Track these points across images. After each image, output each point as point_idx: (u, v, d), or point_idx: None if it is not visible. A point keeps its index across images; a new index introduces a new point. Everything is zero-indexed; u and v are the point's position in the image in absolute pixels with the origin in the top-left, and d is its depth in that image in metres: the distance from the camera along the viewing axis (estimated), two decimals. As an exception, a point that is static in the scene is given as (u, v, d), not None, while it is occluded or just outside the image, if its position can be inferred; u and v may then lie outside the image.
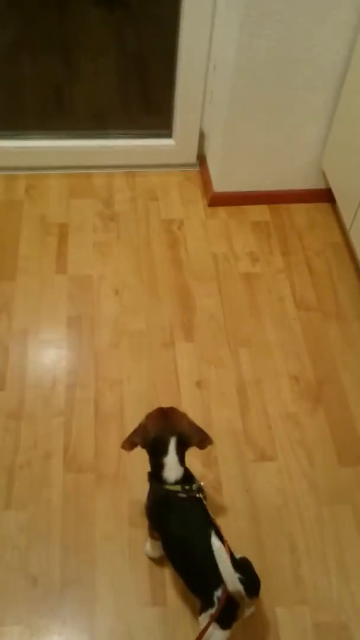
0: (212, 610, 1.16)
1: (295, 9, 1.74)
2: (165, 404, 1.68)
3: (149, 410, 1.65)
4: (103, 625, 1.36)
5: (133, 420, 1.65)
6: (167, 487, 1.28)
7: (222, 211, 2.25)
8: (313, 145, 2.13)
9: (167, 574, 1.43)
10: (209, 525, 1.25)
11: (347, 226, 2.01)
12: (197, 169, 2.40)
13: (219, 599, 1.15)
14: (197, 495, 1.29)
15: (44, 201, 2.23)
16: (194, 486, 1.30)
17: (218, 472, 1.60)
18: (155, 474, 1.31)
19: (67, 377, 1.76)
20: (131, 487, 1.56)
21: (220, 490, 1.57)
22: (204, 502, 1.29)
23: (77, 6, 3.06)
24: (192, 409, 1.71)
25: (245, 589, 1.15)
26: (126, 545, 1.47)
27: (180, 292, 2.00)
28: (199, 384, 1.77)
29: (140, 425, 1.32)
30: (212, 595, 1.16)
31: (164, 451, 1.28)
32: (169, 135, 2.33)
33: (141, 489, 1.53)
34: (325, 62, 1.89)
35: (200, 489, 1.30)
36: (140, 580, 1.42)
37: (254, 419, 1.71)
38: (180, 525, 1.27)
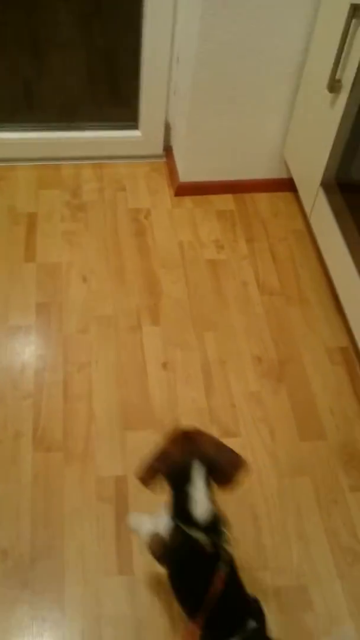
0: None
1: (254, 2, 1.81)
2: (133, 385, 1.76)
3: (117, 391, 1.72)
4: (72, 595, 1.40)
5: (101, 400, 1.72)
6: (192, 532, 1.06)
7: (188, 201, 2.31)
8: (275, 135, 2.19)
9: (134, 545, 1.48)
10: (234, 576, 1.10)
11: (308, 214, 2.08)
12: (164, 159, 2.45)
13: None
14: (225, 547, 1.09)
15: (13, 192, 2.27)
16: (224, 535, 1.09)
17: (183, 448, 1.66)
18: (178, 512, 1.08)
19: (37, 361, 1.80)
20: (99, 466, 1.61)
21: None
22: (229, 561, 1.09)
23: (45, 1, 3.09)
24: (159, 390, 1.77)
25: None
26: (94, 519, 1.52)
27: (147, 278, 2.05)
28: (165, 365, 1.83)
29: (160, 451, 1.10)
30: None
31: (188, 480, 1.06)
32: (135, 127, 2.38)
33: (108, 466, 1.59)
34: (284, 53, 1.95)
35: (228, 540, 1.10)
36: (108, 552, 1.47)
37: (218, 398, 1.77)
38: (196, 571, 1.08)
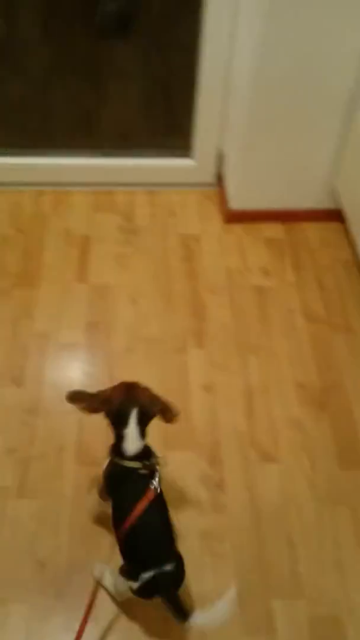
0: (133, 584, 1.24)
1: (308, 36, 1.85)
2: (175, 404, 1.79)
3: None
4: (105, 610, 1.43)
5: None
6: (127, 463, 1.29)
7: (237, 228, 2.35)
8: (326, 165, 2.22)
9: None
10: (165, 509, 1.31)
11: (358, 244, 2.09)
12: (215, 187, 2.51)
13: (143, 579, 1.21)
14: (155, 469, 1.31)
15: (69, 215, 2.36)
16: (153, 460, 1.32)
17: (222, 471, 1.67)
18: (115, 448, 1.32)
19: (83, 378, 1.86)
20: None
21: (224, 488, 1.64)
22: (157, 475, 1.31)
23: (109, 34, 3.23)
24: (200, 411, 1.79)
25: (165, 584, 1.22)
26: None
27: (194, 302, 2.09)
28: (207, 388, 1.85)
29: (102, 393, 1.33)
30: (139, 572, 1.22)
31: (125, 423, 1.29)
32: (189, 155, 2.45)
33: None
34: (338, 84, 1.98)
35: (159, 463, 1.33)
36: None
37: (259, 422, 1.78)
38: (131, 492, 1.28)
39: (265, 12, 1.80)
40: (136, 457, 1.30)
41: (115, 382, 1.36)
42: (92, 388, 1.79)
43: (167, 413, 1.34)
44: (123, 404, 1.31)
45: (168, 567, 1.22)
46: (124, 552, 1.28)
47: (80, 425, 1.74)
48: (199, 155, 2.42)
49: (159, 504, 1.30)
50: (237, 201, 2.33)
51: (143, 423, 1.31)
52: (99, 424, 1.72)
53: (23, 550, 1.51)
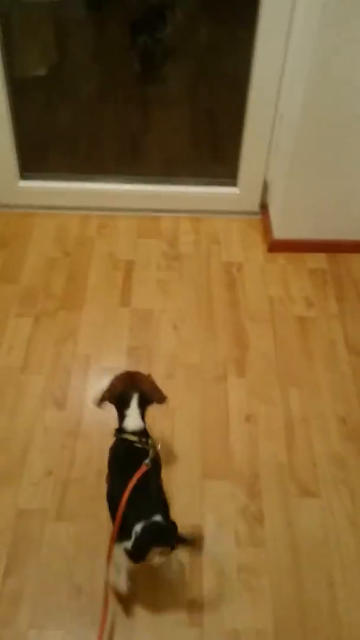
0: (127, 543, 1.29)
1: (357, 68, 1.86)
2: (215, 434, 1.78)
3: (199, 439, 1.75)
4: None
5: (183, 446, 1.75)
6: (125, 436, 1.45)
7: (280, 257, 2.35)
8: (372, 197, 2.21)
9: (204, 597, 1.48)
10: (156, 479, 1.41)
11: None
12: (259, 216, 2.51)
13: (136, 534, 1.28)
14: (150, 448, 1.43)
15: (114, 239, 2.40)
16: (150, 440, 1.46)
17: (261, 504, 1.65)
18: (118, 427, 1.49)
19: (124, 403, 1.86)
20: (176, 512, 1.62)
21: (263, 522, 1.62)
22: (152, 454, 1.42)
23: (154, 61, 3.30)
24: (240, 442, 1.78)
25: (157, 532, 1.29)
26: (168, 567, 1.53)
27: (236, 330, 2.09)
28: (248, 418, 1.84)
29: (110, 384, 1.51)
30: (131, 528, 1.28)
31: (127, 405, 1.48)
32: (234, 183, 2.47)
33: (186, 514, 1.61)
34: (386, 119, 1.99)
35: (154, 445, 1.45)
36: (180, 602, 1.47)
37: (299, 455, 1.75)
38: (126, 464, 1.41)
39: (315, 44, 1.83)
40: (134, 433, 1.46)
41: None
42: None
43: (161, 399, 1.52)
44: (126, 388, 1.50)
45: (157, 518, 1.30)
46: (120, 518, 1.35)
47: (120, 450, 1.74)
48: (244, 184, 2.44)
49: (152, 476, 1.41)
50: (281, 230, 2.34)
51: (142, 406, 1.50)
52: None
53: (60, 574, 1.51)
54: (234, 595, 1.49)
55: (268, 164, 2.37)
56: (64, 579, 1.50)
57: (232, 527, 1.61)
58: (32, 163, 2.48)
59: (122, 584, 1.38)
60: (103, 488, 1.64)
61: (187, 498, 1.65)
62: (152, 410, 1.82)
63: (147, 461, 1.40)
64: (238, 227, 2.48)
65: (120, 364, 1.97)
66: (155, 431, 1.78)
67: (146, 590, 1.48)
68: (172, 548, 1.33)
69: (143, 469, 1.38)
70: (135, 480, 1.35)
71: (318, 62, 1.85)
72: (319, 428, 1.82)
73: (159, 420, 1.81)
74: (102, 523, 1.59)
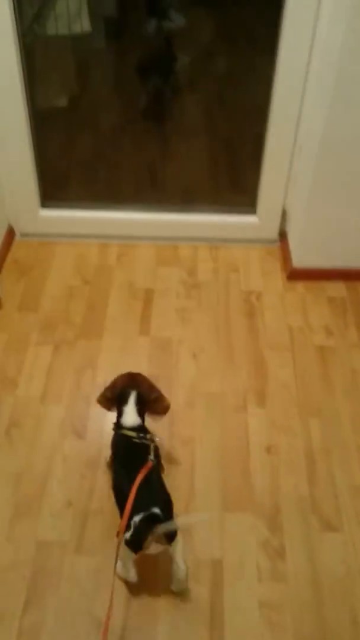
0: (127, 533, 1.36)
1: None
2: (235, 465, 1.77)
3: (219, 470, 1.74)
4: None
5: (203, 477, 1.74)
6: (124, 431, 1.53)
7: (300, 285, 2.35)
8: (392, 226, 2.21)
9: (225, 633, 1.45)
10: (158, 474, 1.47)
11: None
12: (278, 244, 2.52)
13: (134, 523, 1.35)
14: (149, 442, 1.51)
15: (133, 268, 2.41)
16: (148, 435, 1.53)
17: (282, 537, 1.63)
18: (117, 422, 1.57)
19: (143, 433, 1.85)
20: (196, 545, 1.61)
21: (284, 557, 1.59)
22: (153, 450, 1.50)
23: (174, 92, 3.35)
24: (261, 474, 1.76)
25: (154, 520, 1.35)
26: (188, 602, 1.51)
27: (255, 359, 2.08)
28: (268, 449, 1.82)
29: (110, 383, 1.62)
30: (131, 519, 1.36)
31: (125, 402, 1.56)
32: (252, 212, 2.48)
33: (205, 548, 1.59)
34: None
35: (152, 439, 1.53)
36: (200, 634, 1.45)
37: (321, 488, 1.73)
38: (127, 460, 1.50)
39: (336, 76, 1.84)
40: (132, 429, 1.53)
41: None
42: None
43: (161, 402, 1.60)
44: (125, 387, 1.59)
45: (155, 510, 1.36)
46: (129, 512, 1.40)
47: (140, 481, 1.73)
48: (263, 212, 2.45)
49: (153, 470, 1.47)
50: (300, 259, 2.34)
51: (140, 404, 1.57)
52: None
53: (80, 608, 1.49)
54: (255, 631, 1.46)
55: (287, 192, 2.38)
56: (84, 613, 1.48)
57: (253, 561, 1.58)
58: (52, 192, 2.52)
59: (132, 574, 1.46)
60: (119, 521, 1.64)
61: (207, 531, 1.63)
62: (171, 440, 1.83)
63: (151, 457, 1.48)
64: (257, 255, 2.49)
65: (139, 393, 1.96)
66: (174, 461, 1.77)
67: (165, 624, 1.46)
68: (168, 540, 1.39)
69: (149, 464, 1.45)
70: (142, 475, 1.42)
71: (339, 93, 1.87)
72: (341, 459, 1.80)
73: (179, 450, 1.81)
74: (122, 556, 1.58)
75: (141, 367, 2.04)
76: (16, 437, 1.83)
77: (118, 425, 1.56)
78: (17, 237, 2.53)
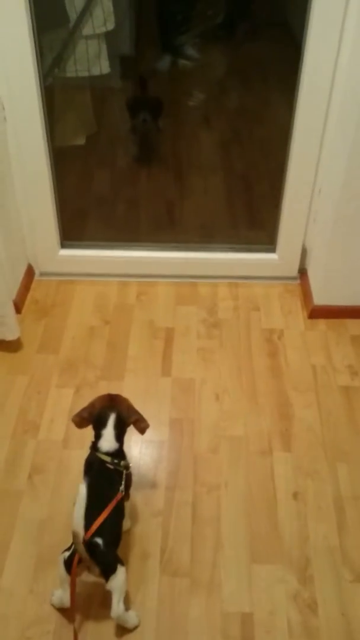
0: (67, 553, 1.40)
1: None
2: (262, 513, 1.73)
3: (246, 518, 1.70)
4: None
5: (229, 526, 1.69)
6: (99, 455, 1.50)
7: (321, 323, 2.32)
8: None
9: None
10: (110, 493, 1.45)
11: None
12: (298, 281, 2.50)
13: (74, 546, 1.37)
14: (122, 470, 1.50)
15: (153, 307, 2.40)
16: (122, 462, 1.51)
17: (314, 590, 1.58)
18: (94, 443, 1.54)
19: (167, 478, 1.82)
20: (225, 599, 1.56)
21: (316, 611, 1.54)
22: (124, 479, 1.49)
23: (190, 130, 3.38)
24: (289, 521, 1.71)
25: (94, 550, 1.36)
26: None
27: (279, 400, 2.05)
28: (295, 495, 1.78)
29: (89, 403, 1.57)
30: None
31: (104, 425, 1.53)
32: (272, 250, 2.47)
33: (235, 601, 1.54)
34: None
35: (127, 467, 1.52)
36: None
37: (351, 536, 1.68)
38: (95, 482, 1.46)
39: (357, 121, 1.84)
40: (107, 454, 1.51)
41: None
42: (173, 491, 1.77)
43: (140, 423, 1.56)
44: (104, 409, 1.55)
45: (98, 539, 1.37)
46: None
47: (165, 530, 1.69)
48: (283, 250, 2.44)
49: (118, 503, 1.47)
50: (322, 297, 2.32)
51: (119, 428, 1.54)
52: (184, 528, 1.69)
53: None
54: None
55: (307, 230, 2.37)
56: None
57: (284, 615, 1.53)
58: (70, 230, 2.52)
59: (65, 598, 1.46)
60: (148, 572, 1.60)
61: (235, 583, 1.59)
62: (196, 487, 1.79)
63: (122, 488, 1.47)
64: (277, 293, 2.47)
65: (162, 437, 1.94)
66: (199, 509, 1.73)
67: None
68: (103, 573, 1.39)
69: (119, 496, 1.46)
70: (110, 508, 1.41)
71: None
72: (371, 506, 1.75)
73: (204, 497, 1.77)
74: (149, 612, 1.53)
75: (164, 409, 2.02)
76: (39, 484, 1.80)
77: (95, 448, 1.53)
78: (36, 276, 2.53)
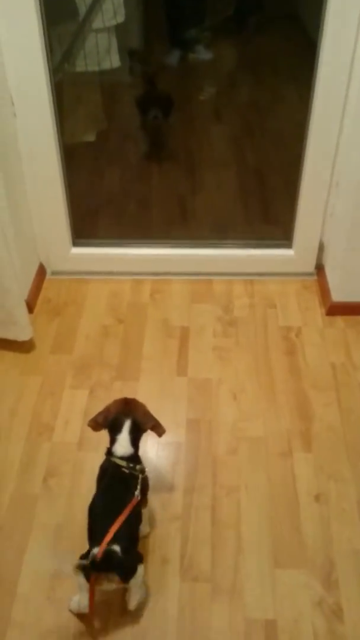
0: (84, 561, 1.33)
1: None
2: (284, 516, 1.68)
3: (268, 522, 1.65)
4: None
5: (250, 530, 1.65)
6: (114, 459, 1.48)
7: (340, 320, 2.27)
8: None
9: None
10: (126, 498, 1.42)
11: None
12: (315, 277, 2.45)
13: (92, 554, 1.32)
14: (138, 474, 1.47)
15: (167, 305, 2.35)
16: (138, 467, 1.49)
17: (339, 595, 1.53)
18: (109, 449, 1.51)
19: (185, 481, 1.77)
20: (247, 604, 1.51)
21: (342, 617, 1.49)
22: (140, 483, 1.46)
23: (201, 124, 3.33)
24: (311, 525, 1.67)
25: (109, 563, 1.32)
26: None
27: (298, 400, 2.00)
28: (317, 497, 1.73)
29: (104, 408, 1.54)
30: (91, 547, 1.35)
31: (119, 430, 1.50)
32: (288, 245, 2.42)
33: (258, 607, 1.50)
34: None
35: (142, 471, 1.49)
36: None
37: (377, 540, 1.63)
38: (110, 487, 1.46)
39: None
40: (122, 458, 1.48)
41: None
42: (192, 494, 1.73)
43: (157, 429, 1.54)
44: (119, 414, 1.52)
45: (115, 547, 1.33)
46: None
47: (184, 535, 1.65)
48: (300, 246, 2.39)
49: (134, 508, 1.43)
50: (340, 293, 2.26)
51: (134, 433, 1.51)
52: (203, 532, 1.65)
53: None
54: None
55: (324, 225, 2.31)
56: None
57: (309, 622, 1.48)
58: (82, 228, 2.48)
59: (82, 604, 1.42)
60: (167, 578, 1.56)
61: (258, 589, 1.54)
62: (214, 489, 1.74)
63: (137, 493, 1.44)
64: (293, 289, 2.41)
65: (179, 438, 1.89)
66: (218, 513, 1.69)
67: None
68: (123, 579, 1.36)
69: (134, 501, 1.42)
70: (126, 513, 1.38)
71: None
72: (395, 508, 1.70)
73: (224, 500, 1.72)
74: (168, 619, 1.49)
75: (180, 410, 1.97)
76: (54, 487, 1.76)
77: (109, 453, 1.51)
78: (48, 275, 2.49)
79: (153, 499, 1.72)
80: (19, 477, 1.79)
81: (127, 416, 1.51)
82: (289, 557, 1.60)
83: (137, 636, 1.46)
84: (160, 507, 1.71)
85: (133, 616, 1.49)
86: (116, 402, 1.56)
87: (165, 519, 1.68)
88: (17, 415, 1.96)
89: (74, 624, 1.48)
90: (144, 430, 1.53)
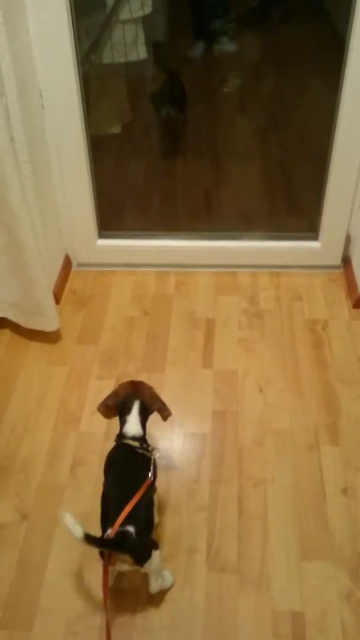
0: (91, 533, 1.32)
1: None
2: (311, 509, 1.67)
3: (294, 514, 1.65)
4: None
5: (277, 522, 1.65)
6: (126, 441, 1.50)
7: (367, 313, 2.25)
8: None
9: None
10: (139, 479, 1.42)
11: None
12: (342, 270, 2.43)
13: (106, 535, 1.34)
14: (150, 455, 1.49)
15: (193, 297, 2.35)
16: (150, 447, 1.51)
17: (368, 592, 1.52)
18: (119, 434, 1.53)
19: (212, 472, 1.77)
20: (275, 597, 1.51)
21: (371, 613, 1.49)
22: (152, 464, 1.48)
23: (225, 116, 3.31)
24: (339, 517, 1.66)
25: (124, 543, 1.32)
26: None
27: (325, 393, 1.99)
28: (344, 491, 1.72)
29: (112, 391, 1.57)
30: (105, 530, 1.36)
31: (128, 411, 1.52)
32: (314, 237, 2.40)
33: (285, 599, 1.50)
34: None
35: (153, 452, 1.51)
36: None
37: None
38: (124, 468, 1.48)
39: None
40: (134, 439, 1.50)
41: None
42: (218, 485, 1.73)
43: (163, 411, 1.56)
44: (128, 396, 1.54)
45: (130, 528, 1.33)
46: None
47: (211, 525, 1.65)
48: (326, 238, 2.37)
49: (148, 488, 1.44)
50: (367, 286, 2.24)
51: (143, 414, 1.53)
52: (230, 523, 1.65)
53: (154, 664, 1.42)
54: None
55: (351, 217, 2.29)
56: (159, 670, 1.40)
57: (337, 615, 1.48)
58: (108, 220, 2.49)
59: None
60: (195, 568, 1.56)
61: (285, 581, 1.54)
62: (241, 481, 1.74)
63: (150, 474, 1.45)
64: (319, 282, 2.40)
65: (205, 430, 1.89)
66: (245, 504, 1.69)
67: None
68: (136, 561, 1.35)
69: (148, 481, 1.43)
70: (140, 494, 1.38)
71: None
72: None
73: (250, 492, 1.72)
74: (195, 609, 1.49)
75: (206, 401, 1.97)
76: (81, 476, 1.78)
77: (120, 435, 1.53)
78: (74, 267, 2.50)
79: (180, 489, 1.72)
80: (47, 466, 1.81)
81: (135, 397, 1.54)
82: (316, 550, 1.60)
83: (164, 625, 1.47)
84: (187, 497, 1.71)
85: (160, 605, 1.50)
86: (124, 384, 1.59)
87: (192, 509, 1.69)
88: (44, 404, 1.97)
89: (101, 612, 1.49)
90: (151, 412, 1.56)
